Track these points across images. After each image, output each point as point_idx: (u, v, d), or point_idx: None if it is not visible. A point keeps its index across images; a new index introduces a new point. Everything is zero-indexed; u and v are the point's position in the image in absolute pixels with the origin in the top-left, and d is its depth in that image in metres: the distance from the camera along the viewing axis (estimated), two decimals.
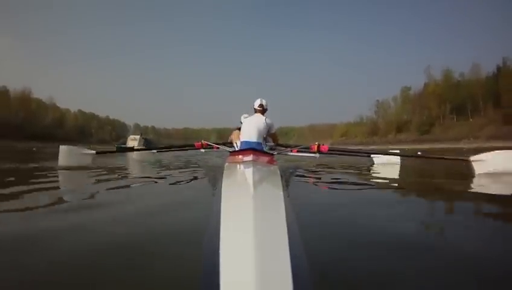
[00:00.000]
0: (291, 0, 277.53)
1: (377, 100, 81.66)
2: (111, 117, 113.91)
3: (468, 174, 3.89)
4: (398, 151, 6.12)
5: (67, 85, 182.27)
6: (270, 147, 4.25)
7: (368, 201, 2.29)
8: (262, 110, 4.10)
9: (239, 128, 4.24)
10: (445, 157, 5.03)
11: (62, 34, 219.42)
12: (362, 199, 2.44)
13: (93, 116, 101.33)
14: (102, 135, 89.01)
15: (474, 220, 1.76)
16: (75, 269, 0.97)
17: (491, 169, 3.77)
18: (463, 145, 40.13)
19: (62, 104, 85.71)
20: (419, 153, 7.27)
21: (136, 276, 0.92)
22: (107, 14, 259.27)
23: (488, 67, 60.00)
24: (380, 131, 74.23)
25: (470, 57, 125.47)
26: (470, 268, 0.99)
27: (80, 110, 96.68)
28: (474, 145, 37.02)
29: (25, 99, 69.93)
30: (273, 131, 4.17)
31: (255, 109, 4.13)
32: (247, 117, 4.24)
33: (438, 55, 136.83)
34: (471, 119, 55.64)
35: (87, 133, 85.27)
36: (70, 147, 4.68)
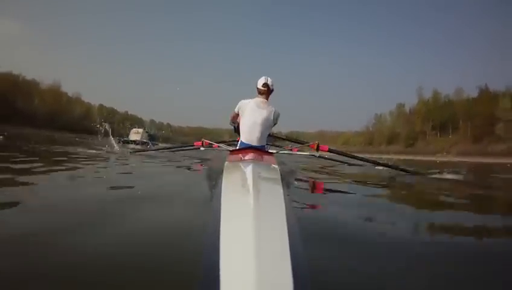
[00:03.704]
0: (308, 3, 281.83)
1: (376, 113, 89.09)
2: (129, 112, 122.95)
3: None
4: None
5: (85, 79, 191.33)
6: (269, 144, 3.86)
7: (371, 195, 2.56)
8: (268, 90, 3.28)
9: (236, 112, 3.43)
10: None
11: (76, 26, 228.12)
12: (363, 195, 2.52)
13: (113, 111, 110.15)
14: (124, 129, 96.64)
15: None
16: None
17: None
18: (435, 158, 45.88)
19: (84, 98, 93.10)
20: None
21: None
22: (119, 12, 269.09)
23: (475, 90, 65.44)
24: (374, 141, 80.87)
25: (471, 77, 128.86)
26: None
27: (101, 105, 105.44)
28: (445, 159, 42.69)
29: (56, 92, 77.44)
30: (277, 123, 3.42)
31: (258, 89, 3.30)
32: (248, 103, 3.28)
33: (437, 72, 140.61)
34: (450, 136, 61.68)
35: (110, 126, 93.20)
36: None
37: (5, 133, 9.71)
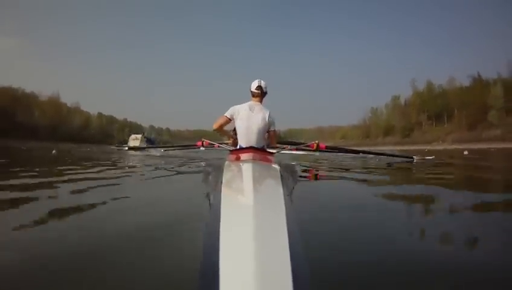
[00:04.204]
0: (308, 3, 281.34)
1: (372, 107, 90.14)
2: (128, 119, 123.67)
3: None
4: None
5: (84, 87, 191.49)
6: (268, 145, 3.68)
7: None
8: (261, 93, 3.26)
9: (227, 117, 3.23)
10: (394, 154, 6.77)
11: (75, 34, 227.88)
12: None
13: (112, 119, 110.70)
14: (123, 136, 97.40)
15: None
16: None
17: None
18: (431, 147, 46.67)
19: (82, 107, 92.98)
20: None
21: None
22: (114, 16, 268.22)
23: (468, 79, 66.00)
24: (371, 134, 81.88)
25: (468, 66, 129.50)
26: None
27: (99, 113, 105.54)
28: (441, 147, 43.53)
29: (55, 103, 77.54)
30: (273, 128, 3.35)
31: (252, 92, 3.26)
32: (241, 107, 3.20)
33: (435, 65, 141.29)
34: (445, 125, 62.55)
35: (110, 134, 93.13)
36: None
37: (54, 151, 10.43)
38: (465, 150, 17.42)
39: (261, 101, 3.31)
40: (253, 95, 3.29)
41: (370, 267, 0.95)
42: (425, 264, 0.99)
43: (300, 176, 3.65)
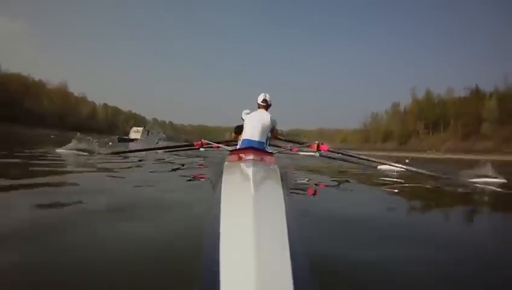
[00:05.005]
0: (309, 2, 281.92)
1: (372, 112, 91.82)
2: (133, 111, 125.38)
3: None
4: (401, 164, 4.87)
5: (86, 78, 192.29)
6: (271, 144, 4.00)
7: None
8: (266, 105, 3.85)
9: (238, 127, 3.97)
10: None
11: (76, 24, 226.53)
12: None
13: (117, 110, 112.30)
14: (127, 128, 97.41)
15: None
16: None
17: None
18: (425, 155, 48.04)
19: (87, 98, 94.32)
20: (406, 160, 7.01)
21: None
22: (119, 10, 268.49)
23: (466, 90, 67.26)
24: (370, 139, 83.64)
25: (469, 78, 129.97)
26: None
27: (105, 104, 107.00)
28: (435, 156, 44.85)
29: (63, 92, 79.15)
30: (276, 129, 3.90)
31: (258, 104, 3.87)
32: (249, 113, 3.97)
33: (436, 71, 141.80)
34: (441, 134, 64.17)
35: (115, 126, 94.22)
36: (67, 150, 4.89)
37: (110, 143, 10.05)
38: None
39: (266, 111, 3.92)
40: (259, 107, 3.92)
41: (370, 265, 0.97)
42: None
43: (300, 178, 3.63)
